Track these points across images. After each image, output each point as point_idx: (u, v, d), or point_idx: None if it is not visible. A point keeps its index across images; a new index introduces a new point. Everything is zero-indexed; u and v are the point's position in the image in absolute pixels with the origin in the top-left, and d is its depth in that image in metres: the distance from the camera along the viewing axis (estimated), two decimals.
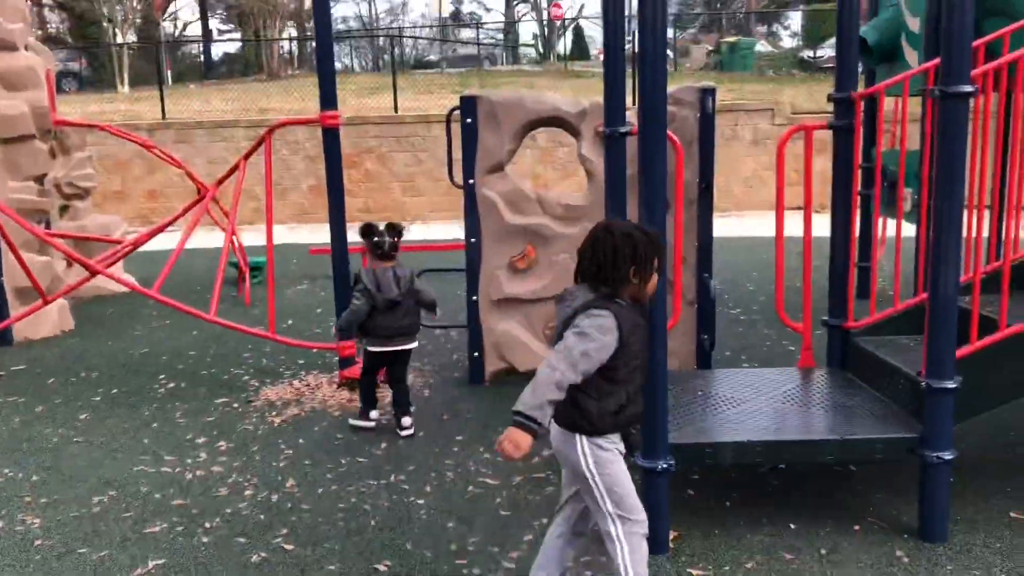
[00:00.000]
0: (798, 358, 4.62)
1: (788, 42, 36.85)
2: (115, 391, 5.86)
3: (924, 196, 4.12)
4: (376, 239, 4.72)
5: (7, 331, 7.09)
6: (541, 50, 33.27)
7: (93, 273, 6.23)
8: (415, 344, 4.94)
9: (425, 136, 15.43)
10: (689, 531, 3.63)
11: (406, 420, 4.89)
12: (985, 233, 4.43)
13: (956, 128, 3.25)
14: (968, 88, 3.18)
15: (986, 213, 4.27)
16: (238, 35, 35.93)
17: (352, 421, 5.04)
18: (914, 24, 6.35)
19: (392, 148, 15.52)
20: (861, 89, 4.48)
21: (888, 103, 4.78)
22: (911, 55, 6.35)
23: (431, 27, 38.05)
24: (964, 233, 3.40)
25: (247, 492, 4.20)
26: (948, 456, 3.42)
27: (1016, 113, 3.96)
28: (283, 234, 13.55)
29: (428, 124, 15.38)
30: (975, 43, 4.03)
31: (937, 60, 3.37)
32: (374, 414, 5.01)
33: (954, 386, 3.38)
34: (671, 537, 3.53)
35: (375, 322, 4.75)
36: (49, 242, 6.60)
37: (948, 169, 3.28)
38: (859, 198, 5.78)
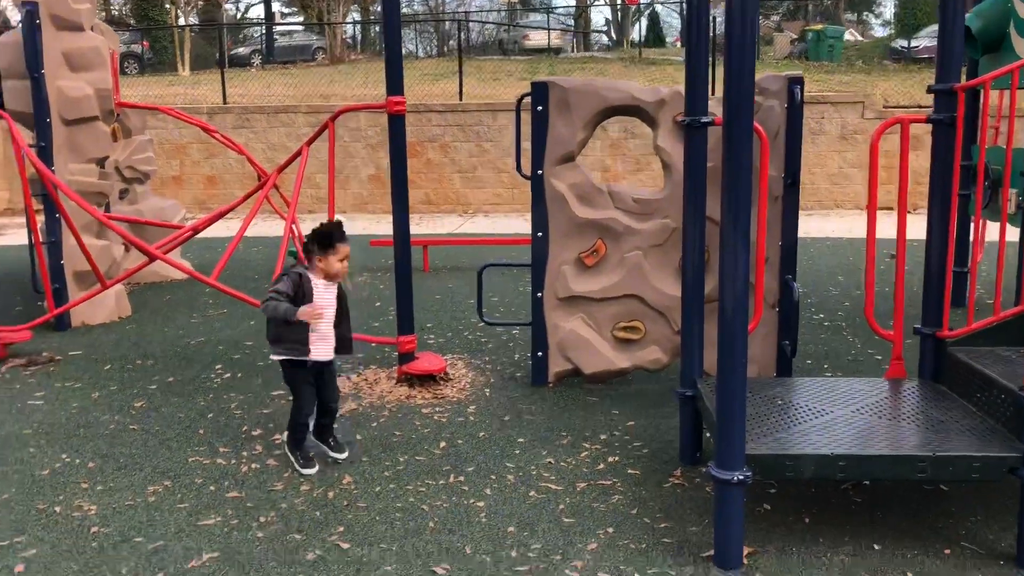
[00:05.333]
0: (885, 368, 4.35)
1: (879, 31, 35.61)
2: (171, 379, 5.79)
3: None
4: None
5: (65, 316, 7.09)
6: (614, 36, 32.54)
7: (152, 258, 6.17)
8: None
9: (490, 125, 15.10)
10: (764, 547, 3.43)
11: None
12: None
13: None
14: None
15: None
16: (300, 19, 36.06)
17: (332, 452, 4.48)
18: None
19: (455, 137, 15.22)
20: (963, 81, 4.16)
21: (994, 96, 4.44)
22: (1020, 44, 5.91)
23: (499, 11, 37.58)
24: None
25: (303, 488, 4.08)
26: None
27: None
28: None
29: (494, 112, 15.05)
30: None
31: None
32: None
33: None
34: (745, 553, 3.33)
35: None
36: (110, 225, 6.55)
37: None
38: (958, 198, 5.45)
